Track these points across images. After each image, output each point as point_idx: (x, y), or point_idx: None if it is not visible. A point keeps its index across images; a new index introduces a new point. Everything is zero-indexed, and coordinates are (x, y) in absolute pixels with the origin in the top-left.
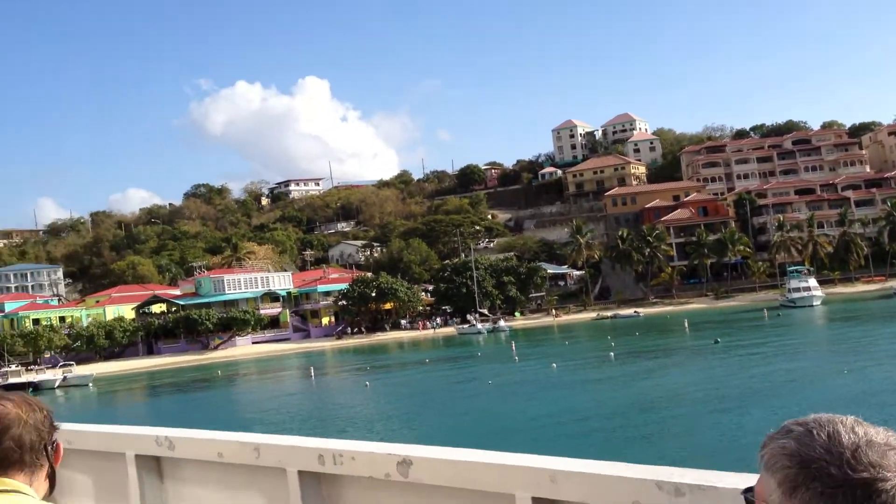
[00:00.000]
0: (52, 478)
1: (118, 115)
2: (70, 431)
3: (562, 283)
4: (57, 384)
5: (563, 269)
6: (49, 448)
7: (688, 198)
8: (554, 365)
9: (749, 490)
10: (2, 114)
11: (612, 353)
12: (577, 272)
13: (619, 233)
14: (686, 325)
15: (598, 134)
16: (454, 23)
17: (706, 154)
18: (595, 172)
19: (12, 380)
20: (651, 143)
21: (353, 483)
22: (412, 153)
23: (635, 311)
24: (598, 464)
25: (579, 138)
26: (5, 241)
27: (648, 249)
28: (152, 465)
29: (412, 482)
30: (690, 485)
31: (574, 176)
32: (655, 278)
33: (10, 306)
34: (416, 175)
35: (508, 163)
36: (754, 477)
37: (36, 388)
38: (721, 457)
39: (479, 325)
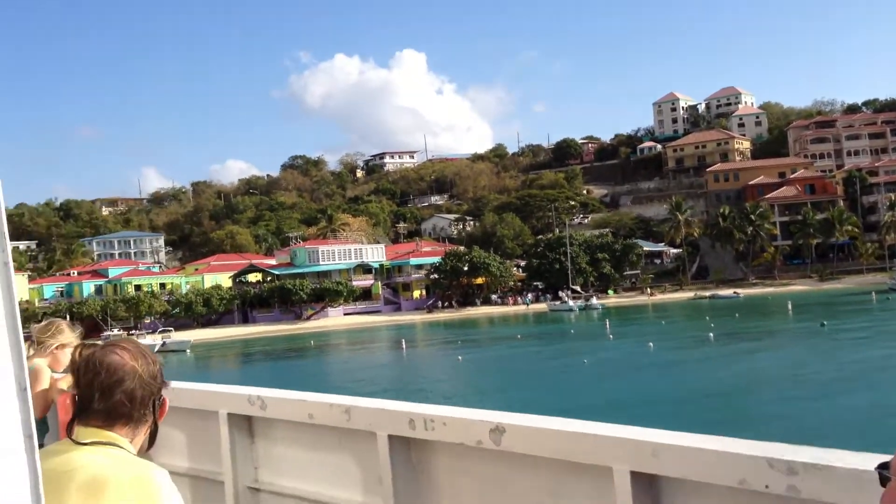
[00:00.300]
0: (153, 433)
1: (220, 87)
2: (170, 388)
3: (658, 261)
4: (156, 349)
5: (660, 247)
6: (156, 403)
7: (794, 175)
8: (651, 344)
9: (884, 465)
10: (108, 84)
11: (711, 334)
12: (675, 250)
13: (721, 210)
14: (789, 307)
15: (701, 107)
16: None
17: (815, 129)
18: (696, 147)
19: None
20: (756, 117)
21: (443, 449)
22: (507, 126)
23: (735, 292)
24: (703, 438)
25: (681, 112)
26: (111, 208)
27: (751, 228)
28: (244, 425)
29: (504, 450)
30: (805, 463)
31: (674, 151)
32: (757, 258)
33: (113, 272)
34: (511, 149)
35: (606, 137)
36: (874, 457)
37: None
38: (831, 441)
39: (571, 303)
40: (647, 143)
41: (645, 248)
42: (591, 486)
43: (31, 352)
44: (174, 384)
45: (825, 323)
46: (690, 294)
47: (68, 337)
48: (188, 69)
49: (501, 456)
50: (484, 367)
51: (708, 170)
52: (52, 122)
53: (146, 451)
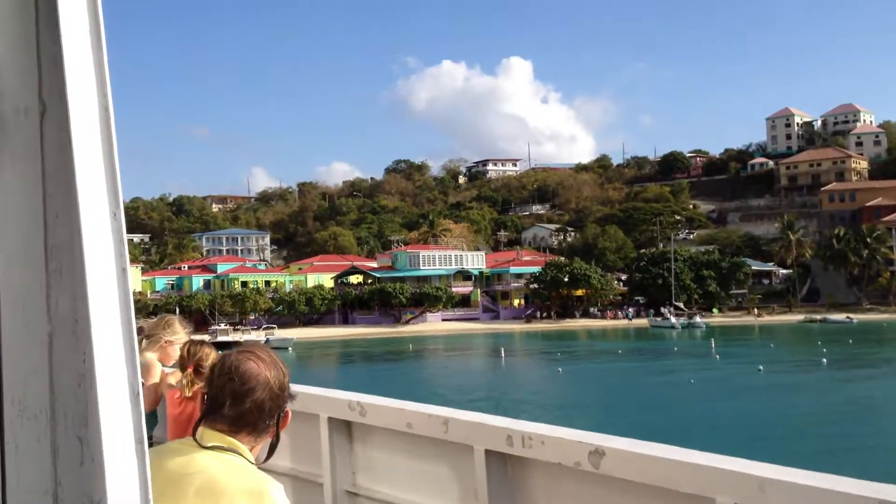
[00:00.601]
0: (274, 444)
1: (329, 89)
2: None
3: (766, 281)
4: None
5: (769, 267)
6: (280, 415)
7: None
8: (760, 367)
9: None
10: (223, 86)
11: (824, 359)
12: (784, 271)
13: (836, 231)
14: None
15: (817, 124)
16: (666, 3)
17: None
18: (811, 165)
19: (221, 338)
20: (876, 136)
21: (540, 468)
22: (611, 138)
23: (848, 317)
24: (813, 475)
25: (796, 128)
26: (220, 205)
27: (866, 251)
28: (344, 429)
29: (603, 474)
30: None
31: (787, 168)
32: (872, 283)
33: (222, 268)
34: (616, 160)
35: (714, 151)
36: None
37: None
38: None
39: (674, 320)
40: (759, 159)
41: (753, 267)
42: None
43: (143, 345)
44: None
45: None
46: (800, 317)
47: (179, 332)
48: (297, 69)
49: (600, 479)
50: (585, 381)
51: (822, 189)
52: (171, 122)
53: (263, 462)
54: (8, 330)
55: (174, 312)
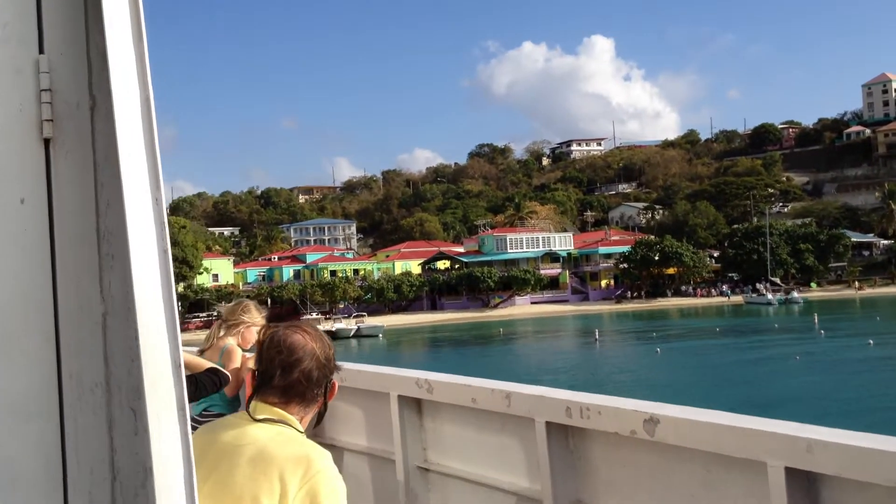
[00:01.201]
0: (322, 413)
1: (410, 78)
2: (345, 370)
3: (866, 253)
4: (352, 333)
5: (869, 238)
6: (328, 385)
7: None
8: (871, 342)
9: None
10: (309, 78)
11: None
12: (885, 242)
13: None
14: None
15: None
16: None
17: None
18: None
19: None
20: None
21: (599, 437)
22: (697, 113)
23: None
24: (863, 436)
25: (893, 94)
26: (307, 196)
27: None
28: (413, 406)
29: (658, 441)
30: None
31: (886, 136)
32: None
33: (311, 257)
34: (703, 135)
35: (807, 121)
36: None
37: (334, 335)
38: None
39: (770, 296)
40: (855, 128)
41: (853, 239)
42: (744, 480)
43: (222, 332)
44: (353, 366)
45: None
46: None
47: (255, 317)
48: (378, 58)
49: (655, 446)
50: (685, 360)
51: None
52: (260, 116)
53: (314, 427)
54: (65, 310)
55: (266, 303)
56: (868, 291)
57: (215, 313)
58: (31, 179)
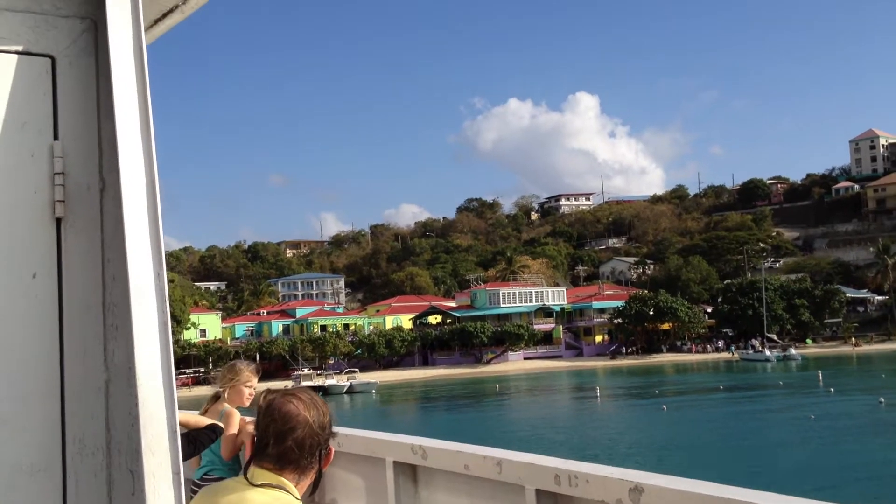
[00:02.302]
0: (317, 480)
1: (396, 133)
2: (341, 435)
3: (861, 308)
4: (345, 389)
5: (863, 294)
6: (322, 452)
7: None
8: (882, 400)
9: None
10: (296, 132)
11: None
12: (880, 297)
13: None
14: None
15: None
16: (737, 29)
17: None
18: None
19: (304, 383)
20: None
21: None
22: (681, 170)
23: None
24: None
25: (881, 150)
26: (295, 251)
27: None
28: (408, 472)
29: None
30: None
31: (875, 191)
32: None
33: (300, 312)
34: (691, 190)
35: (795, 176)
36: None
37: (326, 392)
38: None
39: (768, 352)
40: (844, 183)
41: (847, 295)
42: None
43: (218, 399)
44: (349, 430)
45: None
46: None
47: (244, 375)
48: (367, 118)
49: None
50: (696, 420)
51: None
52: (248, 171)
53: (310, 495)
54: (70, 377)
55: (255, 359)
56: (865, 348)
57: (202, 370)
58: (43, 256)
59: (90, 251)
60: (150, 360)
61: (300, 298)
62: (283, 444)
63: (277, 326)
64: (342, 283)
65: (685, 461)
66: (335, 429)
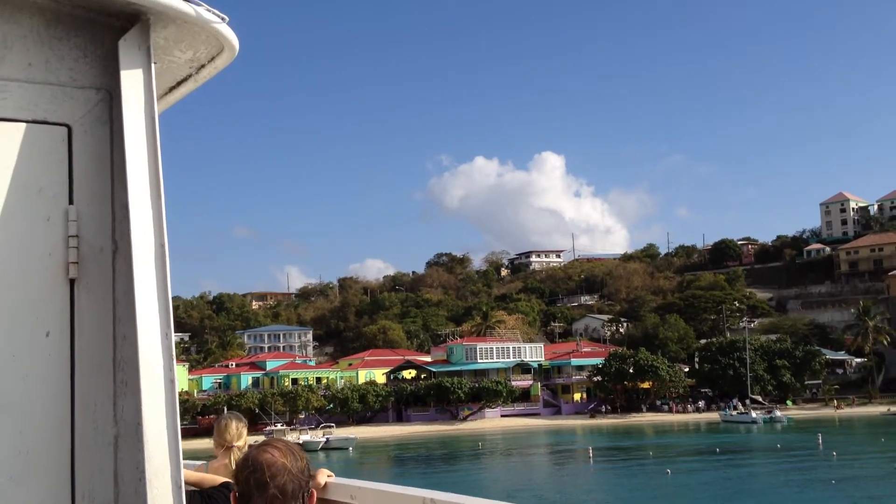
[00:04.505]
0: None
1: (362, 189)
2: (353, 486)
3: (839, 370)
4: (320, 446)
5: (842, 356)
6: (305, 495)
7: None
8: None
9: None
10: (255, 186)
11: None
12: (858, 360)
13: None
14: None
15: (874, 209)
16: (702, 95)
17: None
18: (873, 250)
19: None
20: None
21: None
22: (646, 230)
23: None
24: None
25: (851, 213)
26: (261, 302)
27: None
28: None
29: None
30: None
31: (848, 253)
32: None
33: (271, 364)
34: (661, 250)
35: (763, 238)
36: None
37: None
38: None
39: (754, 414)
40: (815, 245)
41: (826, 356)
42: None
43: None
44: (359, 483)
45: None
46: (882, 408)
47: (233, 434)
48: (333, 172)
49: None
50: (709, 486)
51: (890, 274)
52: (213, 222)
53: None
54: (80, 432)
55: (222, 412)
56: (846, 410)
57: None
58: (56, 315)
59: (102, 310)
60: (157, 417)
61: (267, 351)
62: (266, 492)
63: (247, 379)
64: (310, 335)
65: None
66: (350, 481)
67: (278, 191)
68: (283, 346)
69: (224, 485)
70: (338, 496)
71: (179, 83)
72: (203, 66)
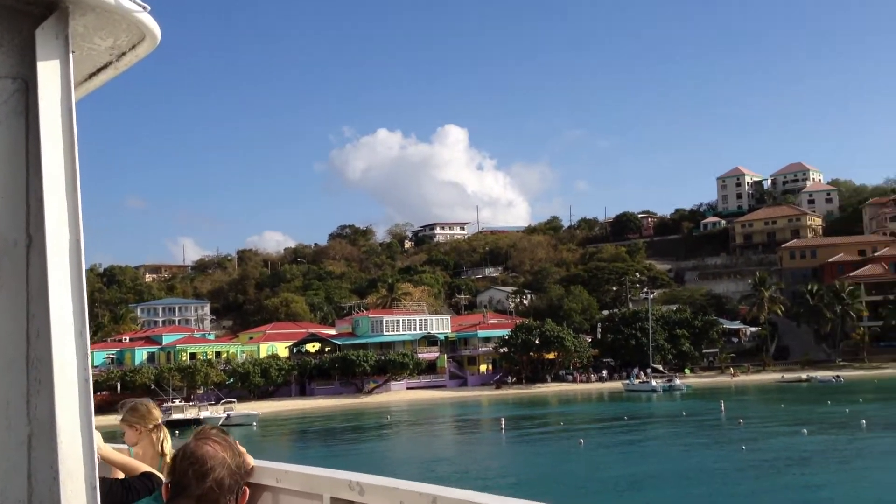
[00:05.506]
0: None
1: (261, 159)
2: (279, 471)
3: (735, 339)
4: (220, 422)
5: (737, 325)
6: (238, 491)
7: (879, 253)
8: (805, 431)
9: None
10: (148, 156)
11: (863, 421)
12: (752, 329)
13: (808, 287)
14: None
15: (767, 183)
16: (603, 71)
17: (894, 207)
18: (766, 223)
19: (176, 416)
20: (828, 194)
21: None
22: (547, 204)
23: (837, 376)
24: None
25: (746, 188)
26: (155, 275)
27: (840, 307)
28: None
29: None
30: None
31: (743, 226)
32: (844, 339)
33: (167, 339)
34: (564, 223)
35: (662, 211)
36: None
37: (200, 424)
38: None
39: (654, 382)
40: (711, 219)
41: (723, 326)
42: None
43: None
44: (286, 466)
45: None
46: (776, 375)
47: (156, 414)
48: (230, 142)
49: None
50: (624, 456)
51: (783, 246)
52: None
53: None
54: None
55: (116, 389)
56: (742, 378)
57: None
58: None
59: (15, 306)
60: (72, 417)
61: (162, 325)
62: (203, 485)
63: (141, 354)
64: (207, 308)
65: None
66: (276, 464)
67: (173, 160)
68: (179, 320)
69: (146, 475)
70: (264, 480)
71: (99, 70)
72: (124, 53)
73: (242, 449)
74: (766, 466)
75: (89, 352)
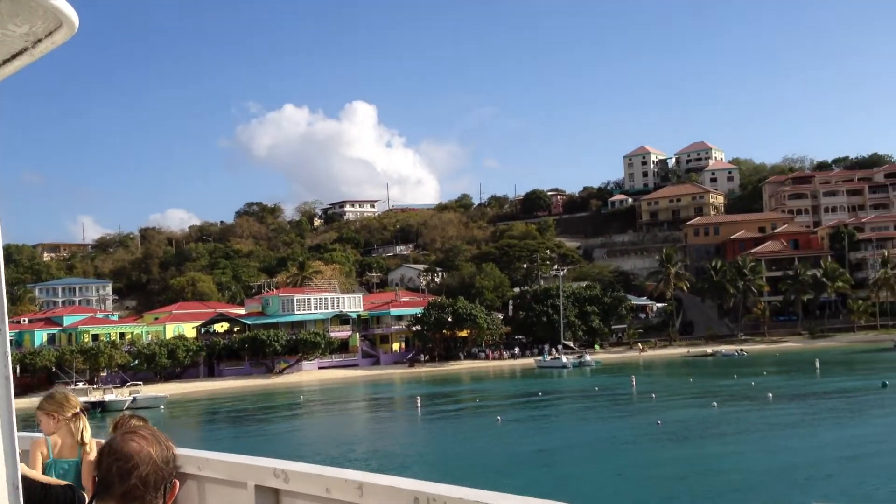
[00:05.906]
0: None
1: (163, 134)
2: (200, 458)
3: (643, 315)
4: (126, 405)
5: (644, 301)
6: (167, 486)
7: (777, 230)
8: (715, 404)
9: None
10: (54, 129)
11: (770, 394)
12: (658, 305)
13: (713, 263)
14: (818, 365)
15: (672, 162)
16: (513, 51)
17: (792, 185)
18: (671, 201)
19: (80, 399)
20: (729, 172)
21: None
22: (457, 182)
23: (741, 350)
24: None
25: (652, 166)
26: (53, 254)
27: (742, 283)
28: (271, 497)
29: None
30: None
31: (648, 204)
32: (746, 314)
33: (68, 320)
34: (474, 200)
35: (571, 189)
36: None
37: (104, 407)
38: None
39: (565, 359)
40: (619, 196)
41: (632, 302)
42: None
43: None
44: (209, 454)
45: (886, 383)
46: (682, 350)
47: (75, 402)
48: (131, 116)
49: None
50: (542, 431)
51: (688, 223)
52: None
53: None
54: None
55: (15, 372)
56: (649, 353)
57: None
58: None
59: None
60: None
61: (62, 305)
62: (127, 482)
63: (41, 336)
64: (109, 289)
65: (587, 480)
66: (197, 452)
67: (71, 135)
68: (80, 301)
69: (69, 487)
70: (185, 468)
71: (14, 56)
72: (40, 40)
73: (170, 443)
74: (680, 438)
75: (9, 350)
